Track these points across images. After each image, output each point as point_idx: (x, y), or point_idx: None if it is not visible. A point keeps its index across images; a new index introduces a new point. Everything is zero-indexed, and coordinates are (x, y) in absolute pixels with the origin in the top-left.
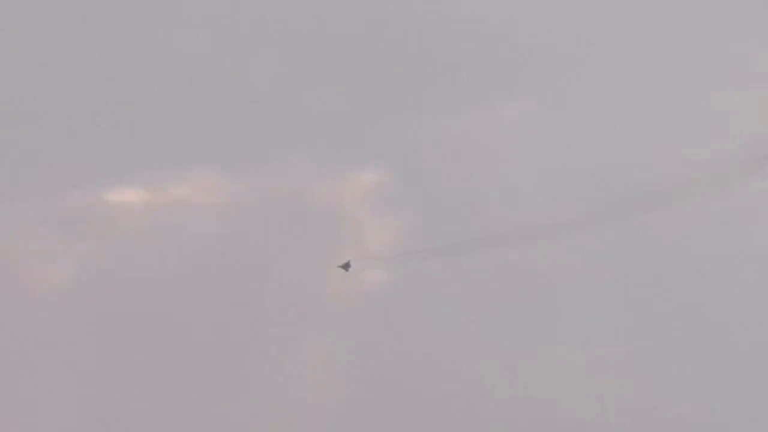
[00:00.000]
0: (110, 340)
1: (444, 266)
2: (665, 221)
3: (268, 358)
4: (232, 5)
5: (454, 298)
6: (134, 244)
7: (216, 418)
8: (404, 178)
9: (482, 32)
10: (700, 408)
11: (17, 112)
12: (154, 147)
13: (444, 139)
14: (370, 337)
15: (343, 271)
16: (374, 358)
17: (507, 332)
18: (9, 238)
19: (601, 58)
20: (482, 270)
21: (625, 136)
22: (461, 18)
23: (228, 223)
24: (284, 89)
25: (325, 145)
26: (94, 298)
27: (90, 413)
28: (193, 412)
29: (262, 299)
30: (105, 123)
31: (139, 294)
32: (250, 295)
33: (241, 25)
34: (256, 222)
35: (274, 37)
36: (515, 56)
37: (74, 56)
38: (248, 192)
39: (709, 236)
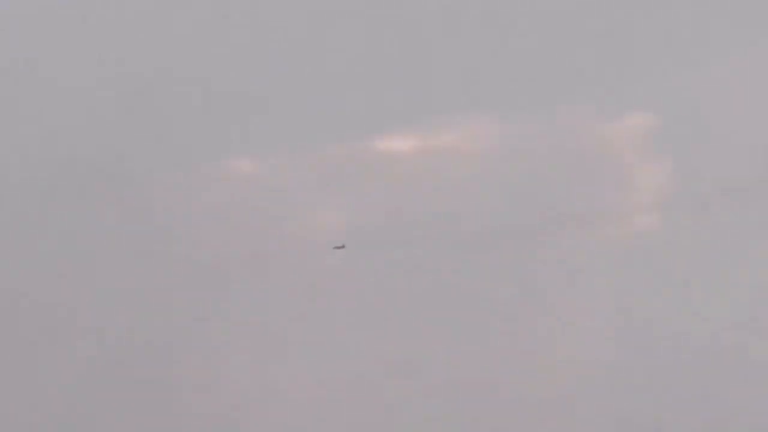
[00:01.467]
0: (383, 289)
1: (710, 213)
2: None
3: (532, 311)
4: None
5: (726, 246)
6: (404, 192)
7: (473, 377)
8: (672, 123)
9: None
10: None
11: (288, 62)
12: (422, 94)
13: (711, 83)
14: (638, 284)
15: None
16: (646, 305)
17: None
18: (280, 188)
19: None
20: (751, 219)
21: None
22: None
23: (497, 170)
24: (550, 35)
25: (592, 89)
26: (365, 248)
27: (366, 365)
28: (453, 370)
29: (530, 247)
30: (373, 72)
31: (408, 243)
32: (519, 243)
33: None
34: (524, 168)
35: None
36: None
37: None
38: (516, 138)
39: None
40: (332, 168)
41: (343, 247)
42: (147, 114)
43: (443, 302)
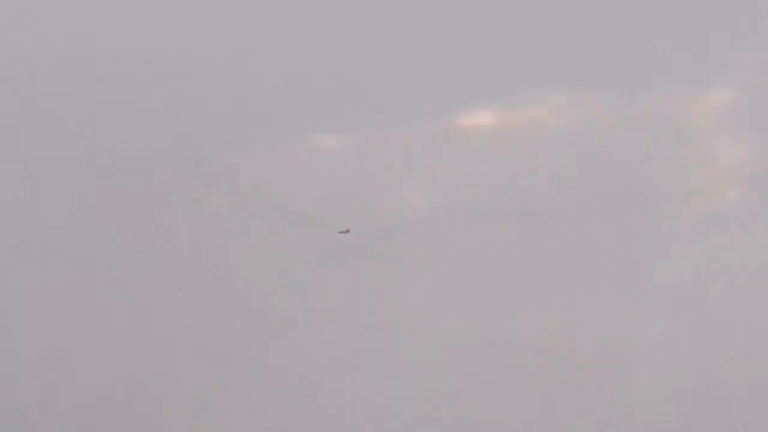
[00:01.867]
0: (470, 269)
1: None
2: None
3: (620, 288)
4: None
5: None
6: (488, 168)
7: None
8: (755, 97)
9: None
10: None
11: (371, 40)
12: (508, 69)
13: None
14: (721, 261)
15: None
16: (730, 283)
17: None
18: (363, 165)
19: None
20: None
21: None
22: None
23: (583, 145)
24: (633, 9)
25: (678, 64)
26: (449, 226)
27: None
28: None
29: (618, 224)
30: (455, 48)
31: (492, 221)
32: (611, 219)
33: None
34: (610, 144)
35: None
36: None
37: None
38: (603, 114)
39: None
40: (415, 144)
41: (348, 231)
42: (229, 94)
43: (533, 279)
